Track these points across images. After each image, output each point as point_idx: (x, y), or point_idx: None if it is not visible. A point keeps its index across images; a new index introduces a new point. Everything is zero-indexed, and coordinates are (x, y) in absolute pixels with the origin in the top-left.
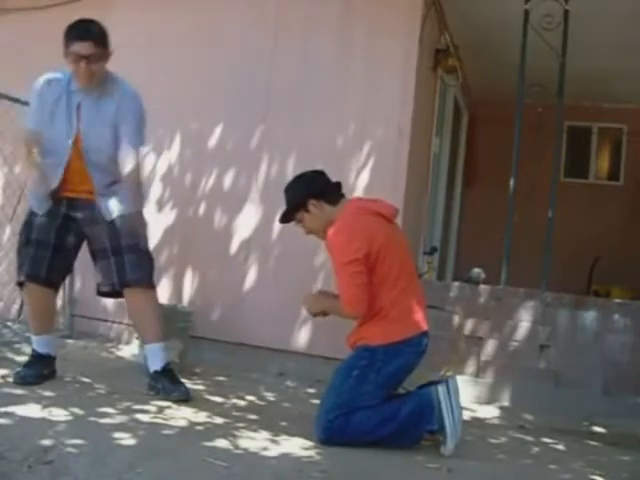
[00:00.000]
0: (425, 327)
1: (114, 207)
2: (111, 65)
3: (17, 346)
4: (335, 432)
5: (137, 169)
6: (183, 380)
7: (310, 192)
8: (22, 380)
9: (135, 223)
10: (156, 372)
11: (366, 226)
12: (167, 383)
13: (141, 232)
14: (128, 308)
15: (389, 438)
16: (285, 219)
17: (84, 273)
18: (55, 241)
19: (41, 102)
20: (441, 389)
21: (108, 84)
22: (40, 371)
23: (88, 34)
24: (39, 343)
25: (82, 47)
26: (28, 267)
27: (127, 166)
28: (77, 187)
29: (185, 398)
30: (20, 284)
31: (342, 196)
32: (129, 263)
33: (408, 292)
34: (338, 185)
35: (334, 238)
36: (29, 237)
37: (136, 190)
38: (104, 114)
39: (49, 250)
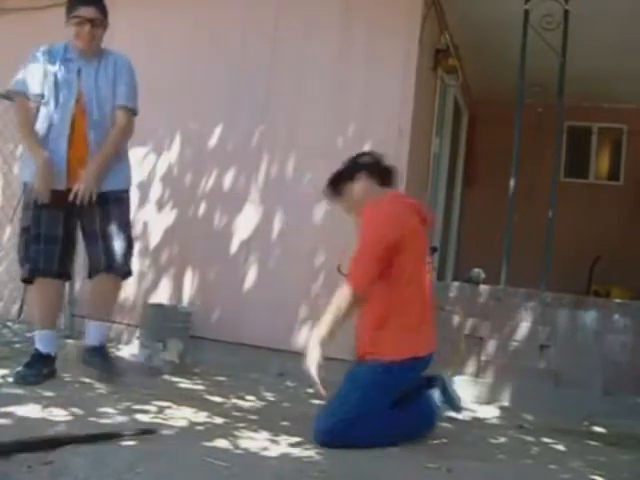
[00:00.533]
0: (434, 346)
1: (106, 179)
2: None
3: (17, 346)
4: (336, 436)
5: (126, 130)
6: (183, 380)
7: (366, 167)
8: (22, 380)
9: (124, 206)
10: (94, 347)
11: (401, 214)
12: (101, 360)
13: (128, 217)
14: (95, 289)
15: (391, 444)
16: (332, 186)
17: (84, 274)
18: (63, 234)
19: (39, 69)
20: (436, 392)
21: (105, 54)
22: (40, 370)
23: (91, 0)
24: (43, 340)
25: (87, 11)
26: (41, 263)
27: (115, 129)
28: (78, 166)
29: (117, 373)
30: (26, 280)
31: (391, 185)
32: (116, 250)
33: (422, 300)
34: (394, 173)
35: (370, 215)
36: (38, 232)
37: (121, 156)
38: (103, 77)
39: (59, 244)
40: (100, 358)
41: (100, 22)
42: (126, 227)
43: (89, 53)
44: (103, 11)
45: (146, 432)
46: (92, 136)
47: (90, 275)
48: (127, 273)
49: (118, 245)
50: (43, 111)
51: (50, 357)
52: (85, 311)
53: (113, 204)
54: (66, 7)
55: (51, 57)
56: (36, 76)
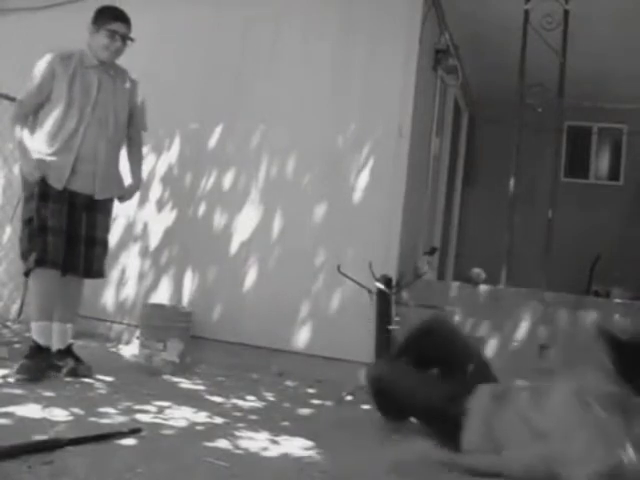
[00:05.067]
0: None
1: (107, 188)
2: None
3: (17, 346)
4: None
5: (141, 150)
6: (183, 380)
7: None
8: (26, 371)
9: (109, 213)
10: (60, 351)
11: None
12: (72, 361)
13: (110, 224)
14: (66, 291)
15: None
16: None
17: None
18: (66, 227)
19: (53, 76)
20: None
21: (119, 68)
22: (41, 363)
23: (125, 17)
24: (41, 332)
25: (121, 27)
26: (49, 254)
27: (136, 146)
28: (84, 172)
29: (88, 374)
30: (29, 273)
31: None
32: (96, 256)
33: None
34: None
35: None
36: (45, 224)
37: (118, 166)
38: (121, 92)
39: (63, 236)
40: (72, 358)
41: (126, 39)
42: (107, 234)
43: (108, 65)
44: (130, 28)
45: (134, 431)
46: (103, 146)
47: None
48: (102, 276)
49: (98, 251)
50: (53, 113)
51: (49, 350)
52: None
53: (101, 211)
54: (96, 17)
55: (65, 62)
56: (45, 82)
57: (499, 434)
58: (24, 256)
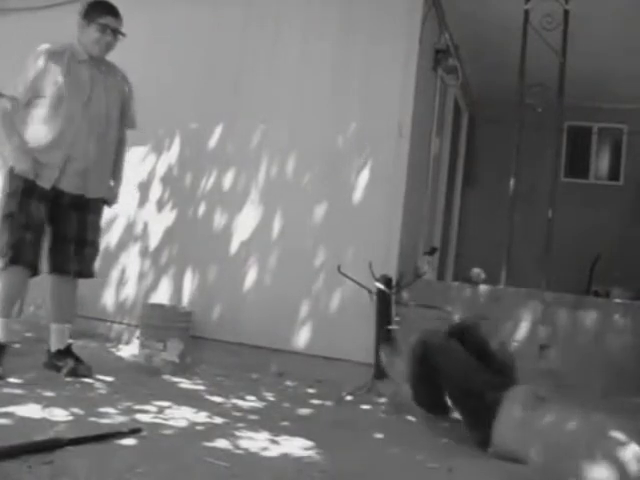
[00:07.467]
0: None
1: (99, 187)
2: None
3: (17, 346)
4: None
5: (125, 151)
6: (183, 380)
7: None
8: None
9: (100, 213)
10: (60, 351)
11: None
12: (71, 361)
13: (100, 224)
14: (59, 291)
15: None
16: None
17: None
18: (44, 227)
19: (46, 71)
20: None
21: (110, 64)
22: (1, 361)
23: (116, 11)
24: (5, 328)
25: (113, 21)
26: (26, 253)
27: (122, 146)
28: (73, 171)
29: (88, 373)
30: (4, 269)
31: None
32: (87, 257)
33: None
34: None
35: None
36: (25, 221)
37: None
38: (113, 89)
39: (41, 235)
40: (71, 358)
41: (119, 33)
42: (98, 234)
43: (99, 60)
44: (121, 22)
45: (134, 431)
46: (94, 143)
47: (51, 272)
48: (92, 276)
49: (89, 251)
50: (44, 109)
51: (6, 347)
52: (48, 314)
53: (92, 211)
54: (87, 10)
55: (58, 57)
56: (39, 77)
57: (532, 435)
58: (1, 252)
